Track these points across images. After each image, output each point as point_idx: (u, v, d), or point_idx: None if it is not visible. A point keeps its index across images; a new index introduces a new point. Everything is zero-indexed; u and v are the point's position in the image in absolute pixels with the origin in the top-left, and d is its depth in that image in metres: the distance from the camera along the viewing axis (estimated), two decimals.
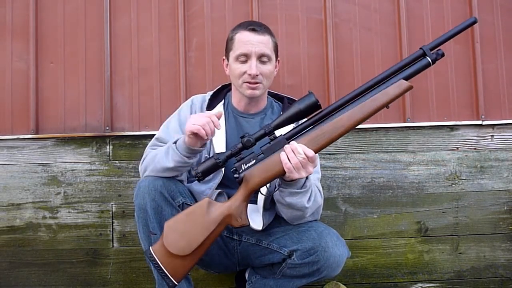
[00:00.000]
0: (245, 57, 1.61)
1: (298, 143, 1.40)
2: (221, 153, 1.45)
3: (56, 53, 2.16)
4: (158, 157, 1.55)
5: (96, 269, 2.08)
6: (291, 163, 1.38)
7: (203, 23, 2.17)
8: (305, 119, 1.46)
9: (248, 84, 1.62)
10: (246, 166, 1.44)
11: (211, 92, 1.77)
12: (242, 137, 1.43)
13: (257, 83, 1.62)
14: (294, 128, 1.46)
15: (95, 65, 2.15)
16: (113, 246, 2.09)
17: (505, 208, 2.12)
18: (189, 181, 1.68)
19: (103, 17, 2.15)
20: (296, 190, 1.48)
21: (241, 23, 1.69)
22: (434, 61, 1.41)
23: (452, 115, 2.14)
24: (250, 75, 1.59)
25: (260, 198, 1.62)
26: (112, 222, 2.10)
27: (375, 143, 2.13)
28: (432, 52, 1.41)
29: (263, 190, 1.49)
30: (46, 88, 2.15)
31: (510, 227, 2.11)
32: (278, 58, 1.73)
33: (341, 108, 1.43)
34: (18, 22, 2.16)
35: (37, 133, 2.12)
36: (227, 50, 1.69)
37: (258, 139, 1.44)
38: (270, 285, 1.65)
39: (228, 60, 1.69)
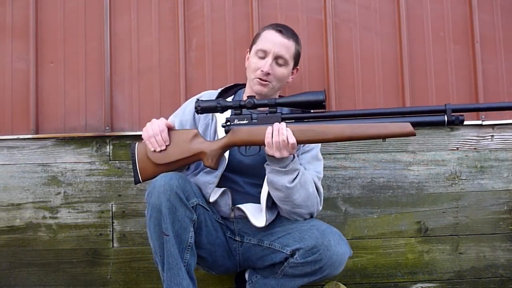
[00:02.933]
0: (263, 53, 1.67)
1: (289, 126, 1.50)
2: (225, 101, 1.59)
3: (56, 53, 2.16)
4: None
5: (96, 269, 2.08)
6: (272, 140, 1.48)
7: (203, 23, 2.17)
8: (307, 110, 1.54)
9: (258, 80, 1.67)
10: (237, 122, 1.57)
11: (222, 88, 1.81)
12: (248, 96, 1.56)
13: (267, 81, 1.66)
14: (293, 113, 1.56)
15: (95, 65, 2.15)
16: (113, 246, 2.09)
17: (505, 208, 2.12)
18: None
19: (103, 17, 2.15)
20: (277, 168, 1.52)
21: (271, 24, 1.76)
22: (449, 123, 1.39)
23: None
24: (262, 71, 1.65)
25: (263, 196, 1.63)
26: (112, 222, 2.10)
27: (375, 143, 2.12)
28: (453, 114, 1.38)
29: (242, 150, 1.63)
30: (46, 88, 2.15)
31: (510, 227, 2.11)
32: (297, 67, 1.77)
33: (341, 118, 1.50)
34: (18, 22, 2.16)
35: (37, 133, 2.12)
36: (252, 43, 1.74)
37: (259, 106, 1.55)
38: (271, 285, 1.65)
39: (249, 53, 1.74)
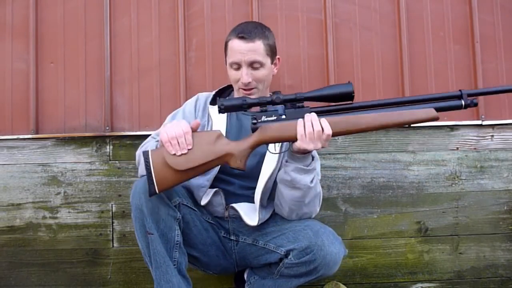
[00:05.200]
0: (237, 65, 1.66)
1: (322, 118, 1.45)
2: (251, 98, 1.53)
3: (56, 53, 2.16)
4: (140, 163, 1.58)
5: (96, 269, 2.09)
6: (305, 131, 1.43)
7: (203, 23, 2.17)
8: (335, 104, 1.51)
9: (243, 90, 1.67)
10: (265, 119, 1.50)
11: (216, 90, 1.81)
12: (273, 93, 1.51)
13: (251, 89, 1.67)
14: (322, 107, 1.52)
15: (95, 65, 2.15)
16: (113, 246, 2.09)
17: (505, 208, 2.12)
18: None
19: (103, 17, 2.15)
20: (301, 167, 1.50)
21: (235, 27, 1.71)
22: (466, 107, 1.47)
23: (452, 115, 2.13)
24: (243, 83, 1.65)
25: (257, 195, 1.62)
26: (112, 222, 2.10)
27: (375, 143, 2.13)
28: (468, 98, 1.48)
29: (271, 147, 1.54)
30: (46, 88, 2.15)
31: (510, 227, 2.11)
32: (278, 57, 1.76)
33: (369, 108, 1.50)
34: (18, 22, 2.16)
35: (37, 133, 2.12)
36: (225, 53, 1.74)
37: (287, 101, 1.49)
38: (269, 286, 1.65)
39: (226, 63, 1.73)
